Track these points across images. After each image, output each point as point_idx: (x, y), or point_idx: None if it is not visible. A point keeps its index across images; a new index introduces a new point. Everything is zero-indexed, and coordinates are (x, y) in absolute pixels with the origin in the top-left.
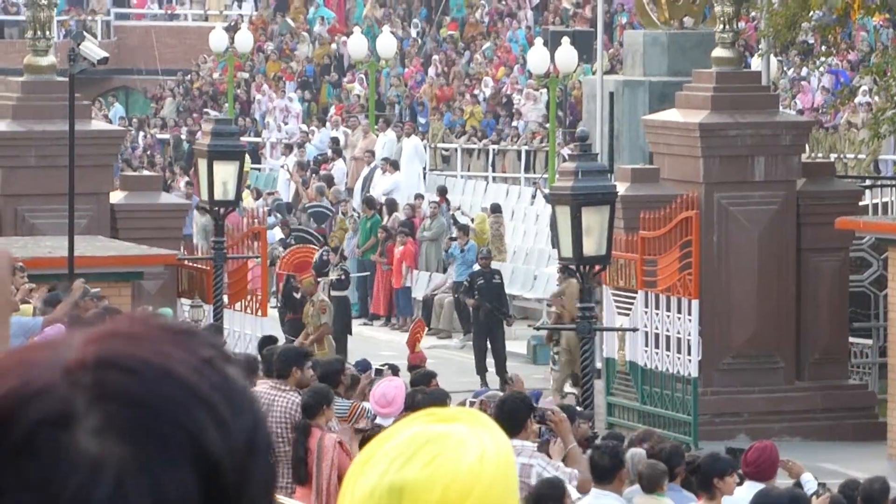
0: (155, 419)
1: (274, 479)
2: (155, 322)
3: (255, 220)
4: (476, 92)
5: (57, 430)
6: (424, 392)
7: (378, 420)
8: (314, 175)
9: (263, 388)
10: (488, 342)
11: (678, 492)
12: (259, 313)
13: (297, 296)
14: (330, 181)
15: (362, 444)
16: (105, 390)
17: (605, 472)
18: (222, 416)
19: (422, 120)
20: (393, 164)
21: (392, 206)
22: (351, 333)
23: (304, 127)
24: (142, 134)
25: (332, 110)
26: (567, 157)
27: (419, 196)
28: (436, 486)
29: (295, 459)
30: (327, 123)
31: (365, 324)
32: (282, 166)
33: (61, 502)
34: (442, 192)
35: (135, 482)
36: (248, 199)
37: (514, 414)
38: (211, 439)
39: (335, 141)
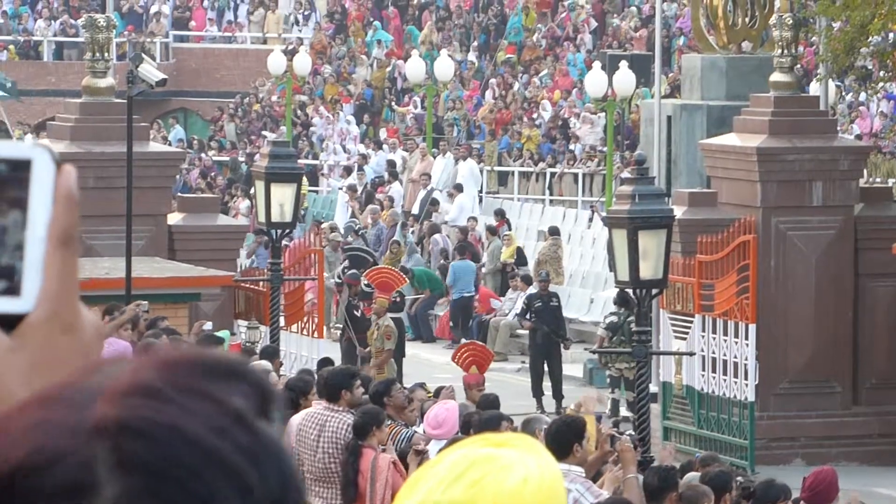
0: (169, 490)
1: None
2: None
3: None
4: (534, 115)
5: (76, 499)
6: (480, 414)
7: (431, 442)
8: (370, 198)
9: (317, 408)
10: (545, 365)
11: None
12: (315, 335)
13: (357, 314)
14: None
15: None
16: (123, 458)
17: (654, 492)
18: (247, 482)
19: (477, 144)
20: (457, 188)
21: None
22: (405, 356)
23: (362, 149)
24: (201, 156)
25: (385, 133)
26: (624, 180)
27: (472, 219)
28: None
29: (344, 480)
30: (384, 146)
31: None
32: (340, 188)
33: None
34: (500, 214)
35: None
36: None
37: (559, 438)
38: None
39: (392, 164)
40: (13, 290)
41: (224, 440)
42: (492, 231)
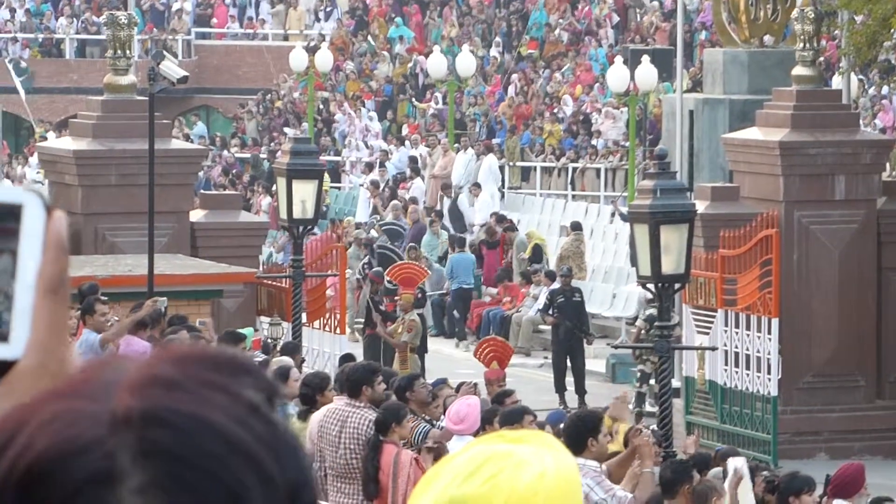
0: (195, 477)
1: None
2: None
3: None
4: (555, 110)
5: (101, 488)
6: (502, 409)
7: (454, 438)
8: (392, 193)
9: (338, 404)
10: (568, 360)
11: None
12: (337, 331)
13: (383, 308)
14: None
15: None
16: (148, 447)
17: (667, 484)
18: (267, 470)
19: (498, 140)
20: (478, 186)
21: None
22: (427, 351)
23: (384, 146)
24: (222, 153)
25: (406, 129)
26: (646, 174)
27: (494, 214)
28: (493, 502)
29: (365, 476)
30: (406, 142)
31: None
32: (361, 184)
33: None
34: (501, 220)
35: None
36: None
37: (574, 433)
38: (252, 497)
39: (413, 160)
40: (2, 337)
41: (245, 430)
42: (510, 228)
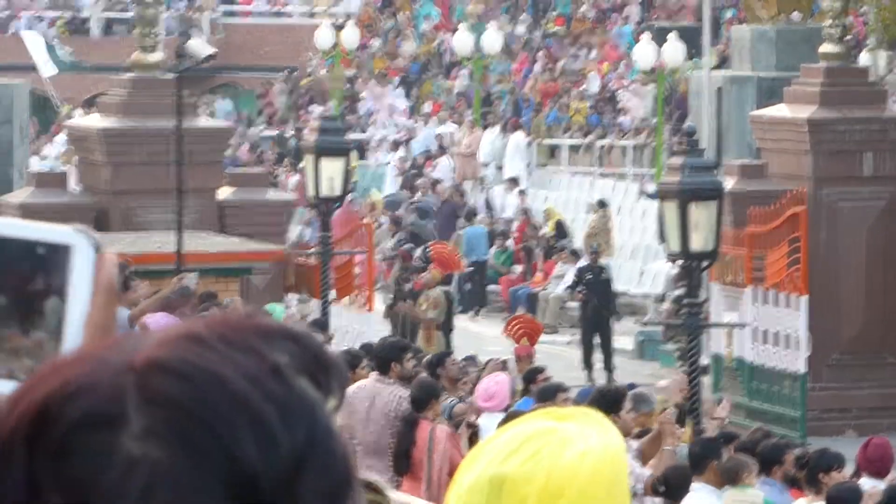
0: (193, 427)
1: (339, 500)
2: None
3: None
4: (582, 87)
5: (102, 430)
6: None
7: (484, 415)
8: (418, 172)
9: (368, 381)
10: (596, 337)
11: (772, 485)
12: (366, 308)
13: (408, 286)
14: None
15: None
16: (152, 394)
17: (695, 460)
18: (270, 429)
19: (526, 115)
20: (513, 182)
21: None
22: (453, 329)
23: (411, 123)
24: (248, 131)
25: (431, 107)
26: (674, 152)
27: (522, 192)
28: (534, 480)
29: (398, 451)
30: (432, 119)
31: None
32: (388, 163)
33: (90, 501)
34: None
35: (163, 488)
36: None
37: (595, 408)
38: (248, 453)
39: (440, 137)
40: None
41: (255, 387)
42: (527, 213)
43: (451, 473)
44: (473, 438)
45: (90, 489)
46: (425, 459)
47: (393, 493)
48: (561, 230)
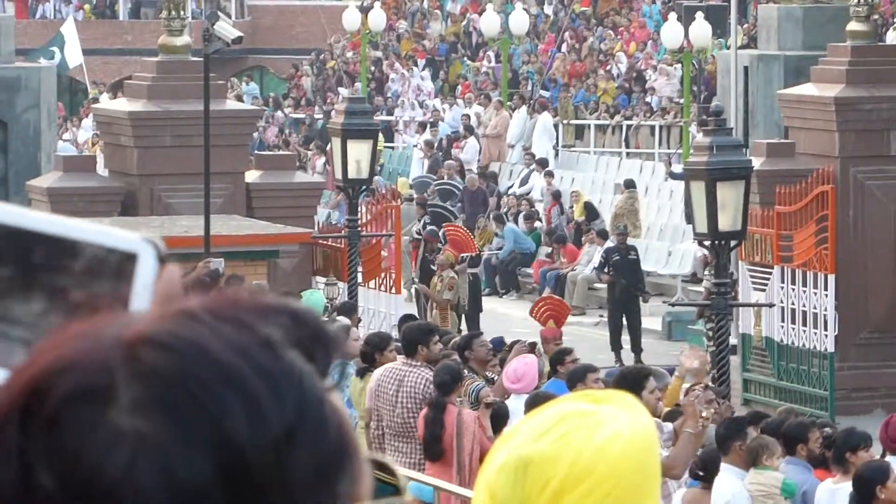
0: (180, 398)
1: (333, 473)
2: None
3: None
4: (609, 68)
5: (91, 404)
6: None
7: (512, 397)
8: (445, 153)
9: (396, 364)
10: (624, 319)
11: (796, 464)
12: (393, 291)
13: (433, 269)
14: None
15: (492, 419)
16: (140, 367)
17: (721, 441)
18: (259, 402)
19: (553, 96)
20: (541, 164)
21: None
22: (482, 310)
23: (438, 104)
24: (277, 113)
25: (459, 88)
26: (697, 135)
27: (549, 174)
28: (560, 461)
29: (429, 436)
30: (459, 101)
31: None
32: (415, 145)
33: (76, 474)
34: (556, 196)
35: (148, 460)
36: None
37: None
38: (235, 425)
39: (467, 118)
40: None
41: (243, 360)
42: (556, 196)
43: (480, 457)
44: (497, 421)
45: (77, 463)
46: (454, 443)
47: (417, 475)
48: (591, 212)
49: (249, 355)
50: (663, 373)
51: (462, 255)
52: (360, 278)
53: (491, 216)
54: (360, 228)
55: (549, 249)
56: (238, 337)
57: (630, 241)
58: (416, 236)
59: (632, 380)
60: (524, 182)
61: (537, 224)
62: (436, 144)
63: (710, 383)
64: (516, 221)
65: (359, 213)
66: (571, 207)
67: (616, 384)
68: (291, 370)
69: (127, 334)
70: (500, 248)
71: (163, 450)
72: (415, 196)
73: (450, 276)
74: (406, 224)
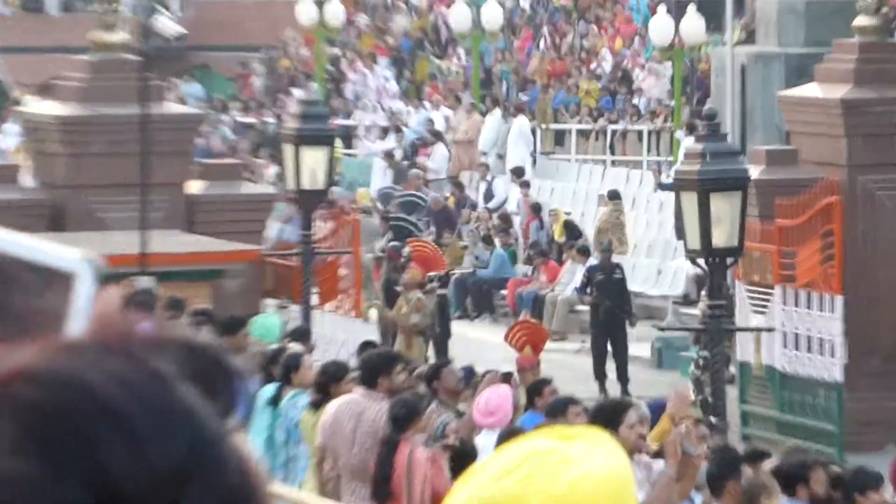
0: (57, 434)
1: None
2: (121, 331)
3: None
4: (592, 66)
5: None
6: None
7: (483, 432)
8: (411, 162)
9: (355, 396)
10: (609, 345)
11: None
12: (352, 314)
13: (397, 290)
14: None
15: (451, 461)
16: (17, 403)
17: (713, 481)
18: (142, 438)
19: (530, 98)
20: (517, 173)
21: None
22: (450, 336)
23: (402, 107)
24: (223, 117)
25: (427, 89)
26: (683, 140)
27: (525, 184)
28: (525, 503)
29: (378, 477)
30: (426, 103)
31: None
32: (377, 156)
33: None
34: (535, 210)
35: (23, 495)
36: (365, 198)
37: (592, 424)
38: (115, 461)
39: (433, 123)
40: None
41: (128, 394)
42: (535, 209)
43: (434, 501)
44: (463, 462)
45: None
46: (404, 486)
47: None
48: (572, 231)
49: (135, 389)
50: (639, 405)
51: (430, 273)
52: (315, 300)
53: (478, 235)
54: (315, 245)
55: (527, 268)
56: (124, 370)
57: (615, 258)
58: (380, 254)
59: (609, 413)
60: (489, 194)
61: (512, 242)
62: (400, 153)
63: (704, 416)
64: (490, 241)
65: (314, 228)
66: (550, 227)
67: (592, 418)
68: (183, 405)
69: (3, 371)
70: (472, 270)
71: (41, 491)
72: (379, 208)
73: (416, 298)
74: (367, 240)
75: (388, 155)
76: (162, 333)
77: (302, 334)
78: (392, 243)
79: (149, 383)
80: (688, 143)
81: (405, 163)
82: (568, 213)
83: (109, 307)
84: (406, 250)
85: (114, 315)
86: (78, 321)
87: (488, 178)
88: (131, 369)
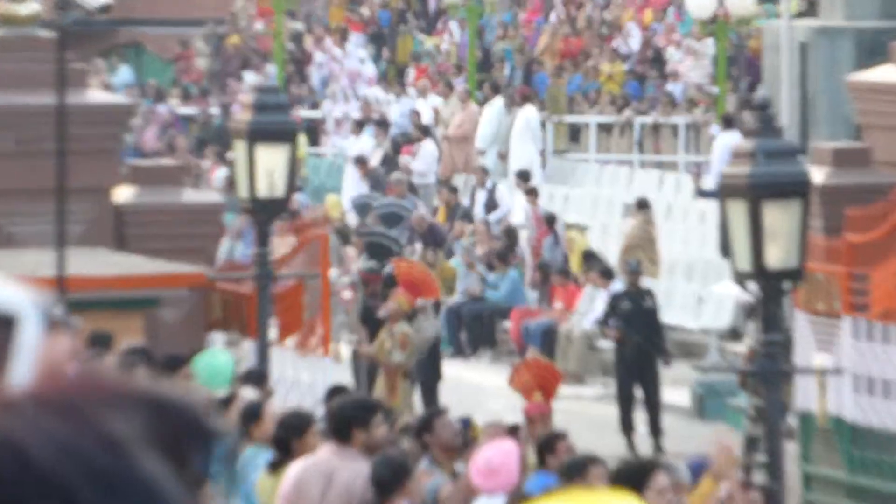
0: None
1: None
2: (75, 385)
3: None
4: (616, 44)
5: None
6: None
7: (483, 498)
8: (390, 162)
9: (323, 454)
10: (638, 389)
11: None
12: (320, 352)
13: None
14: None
15: None
16: None
17: None
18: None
19: (538, 84)
20: (522, 177)
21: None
22: (441, 378)
23: (381, 95)
24: (159, 107)
25: (412, 73)
26: (718, 137)
27: (532, 192)
28: None
29: None
30: (410, 90)
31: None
32: (351, 159)
33: None
34: (549, 221)
35: None
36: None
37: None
38: None
39: (418, 115)
40: None
41: (72, 463)
42: (549, 220)
43: None
44: None
45: None
46: None
47: None
48: (594, 265)
49: (80, 457)
50: (675, 467)
51: (420, 300)
52: (273, 335)
53: (472, 252)
54: (273, 266)
55: (537, 294)
56: (70, 433)
57: (645, 282)
58: (355, 277)
59: (634, 475)
60: (491, 203)
61: (517, 262)
62: (379, 157)
63: (754, 478)
64: (491, 266)
65: (272, 246)
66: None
67: (614, 480)
68: (139, 477)
69: None
70: (464, 301)
71: None
72: (352, 222)
73: (402, 332)
74: (337, 260)
75: (361, 161)
76: (123, 387)
77: (257, 377)
78: (368, 265)
79: (98, 450)
80: (725, 139)
81: (384, 169)
82: (584, 229)
83: (59, 355)
84: (388, 271)
85: (63, 364)
86: (19, 372)
87: (488, 184)
88: (78, 432)
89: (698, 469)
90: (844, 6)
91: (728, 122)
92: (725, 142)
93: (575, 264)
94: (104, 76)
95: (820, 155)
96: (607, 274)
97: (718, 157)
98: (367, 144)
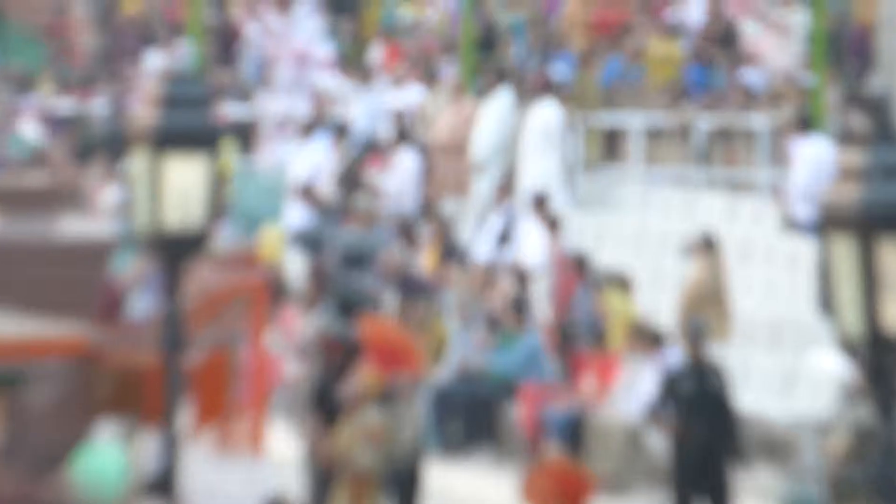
0: None
1: None
2: None
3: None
4: (668, 17)
5: None
6: None
7: None
8: (352, 178)
9: None
10: (702, 501)
11: None
12: (252, 449)
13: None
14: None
15: None
16: None
17: None
18: None
19: (561, 70)
20: (539, 200)
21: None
22: (421, 487)
23: (339, 85)
24: (24, 100)
25: (383, 54)
26: (795, 147)
27: (555, 223)
28: None
29: None
30: (380, 77)
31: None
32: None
33: None
34: (578, 263)
35: None
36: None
37: None
38: None
39: (398, 115)
40: None
41: None
42: (578, 263)
43: None
44: None
45: None
46: None
47: None
48: (639, 325)
49: None
50: None
51: (396, 377)
52: (186, 423)
53: (509, 306)
54: (186, 327)
55: (559, 367)
56: None
57: (712, 349)
58: (305, 345)
59: None
60: (504, 236)
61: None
62: (335, 172)
63: None
64: (496, 326)
65: (186, 297)
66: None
67: None
68: None
69: None
70: (458, 377)
71: None
72: (301, 261)
73: (371, 422)
74: (275, 318)
75: (306, 192)
76: None
77: (162, 486)
78: (331, 324)
79: None
80: (807, 152)
81: (343, 188)
82: (626, 286)
83: None
84: (352, 336)
85: None
86: None
87: (506, 207)
88: None
89: None
90: None
91: (805, 125)
92: (810, 154)
93: (616, 338)
94: None
95: None
96: (657, 339)
97: (807, 173)
98: (320, 155)
